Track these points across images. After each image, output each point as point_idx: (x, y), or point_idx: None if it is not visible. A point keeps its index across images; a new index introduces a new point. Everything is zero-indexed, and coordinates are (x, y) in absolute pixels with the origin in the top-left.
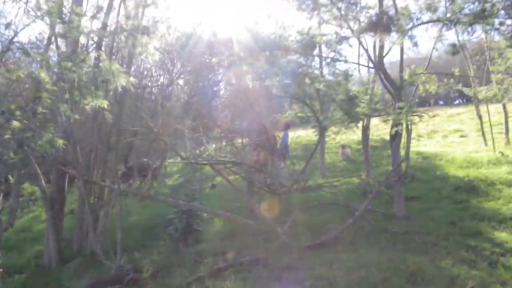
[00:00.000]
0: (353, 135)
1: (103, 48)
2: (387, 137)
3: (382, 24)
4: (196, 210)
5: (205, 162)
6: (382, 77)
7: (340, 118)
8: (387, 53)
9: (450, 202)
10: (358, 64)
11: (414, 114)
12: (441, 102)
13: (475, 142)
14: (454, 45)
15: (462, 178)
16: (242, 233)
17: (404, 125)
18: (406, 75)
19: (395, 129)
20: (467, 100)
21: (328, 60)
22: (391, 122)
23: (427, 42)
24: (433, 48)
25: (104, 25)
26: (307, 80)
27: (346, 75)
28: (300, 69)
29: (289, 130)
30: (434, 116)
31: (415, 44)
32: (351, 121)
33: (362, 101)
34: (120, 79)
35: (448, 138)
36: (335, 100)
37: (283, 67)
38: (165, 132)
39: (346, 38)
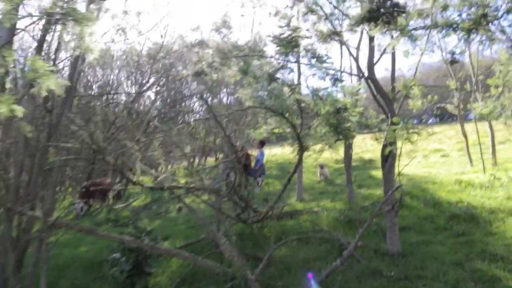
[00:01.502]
0: (333, 153)
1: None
2: (366, 157)
3: (385, 11)
4: (146, 249)
5: (160, 186)
6: (372, 87)
7: (325, 135)
8: (378, 59)
9: (449, 235)
10: (341, 71)
11: (412, 131)
12: (415, 121)
13: (458, 162)
14: (453, 53)
15: (456, 204)
16: (204, 277)
17: (400, 144)
18: (400, 86)
19: (389, 148)
20: (441, 119)
21: (309, 66)
22: (381, 140)
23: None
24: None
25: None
26: (286, 90)
27: (335, 81)
28: (276, 75)
29: (264, 148)
30: (432, 133)
31: (415, 47)
32: (338, 139)
33: (353, 114)
34: (46, 81)
35: (430, 158)
36: (319, 113)
37: (258, 75)
38: (111, 151)
39: (335, 34)
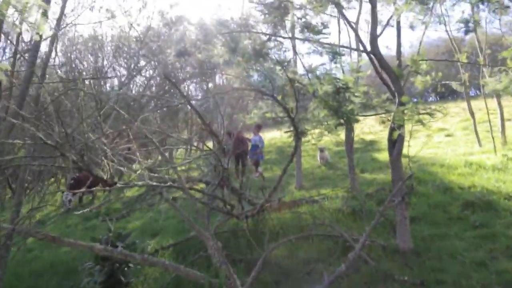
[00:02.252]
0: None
1: None
2: (368, 138)
3: None
4: (121, 257)
5: (137, 184)
6: (376, 63)
7: (323, 119)
8: (382, 31)
9: (466, 227)
10: (339, 46)
11: (425, 112)
12: (415, 100)
13: (464, 142)
14: (467, 22)
15: (469, 189)
16: (190, 285)
17: (410, 127)
18: (408, 61)
19: (397, 132)
20: (441, 96)
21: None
22: (388, 123)
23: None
24: (424, 33)
25: None
26: (278, 69)
27: (334, 55)
28: (264, 51)
29: (260, 131)
30: (447, 113)
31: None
32: (339, 123)
33: (356, 94)
34: None
35: (433, 138)
36: (316, 94)
37: (246, 52)
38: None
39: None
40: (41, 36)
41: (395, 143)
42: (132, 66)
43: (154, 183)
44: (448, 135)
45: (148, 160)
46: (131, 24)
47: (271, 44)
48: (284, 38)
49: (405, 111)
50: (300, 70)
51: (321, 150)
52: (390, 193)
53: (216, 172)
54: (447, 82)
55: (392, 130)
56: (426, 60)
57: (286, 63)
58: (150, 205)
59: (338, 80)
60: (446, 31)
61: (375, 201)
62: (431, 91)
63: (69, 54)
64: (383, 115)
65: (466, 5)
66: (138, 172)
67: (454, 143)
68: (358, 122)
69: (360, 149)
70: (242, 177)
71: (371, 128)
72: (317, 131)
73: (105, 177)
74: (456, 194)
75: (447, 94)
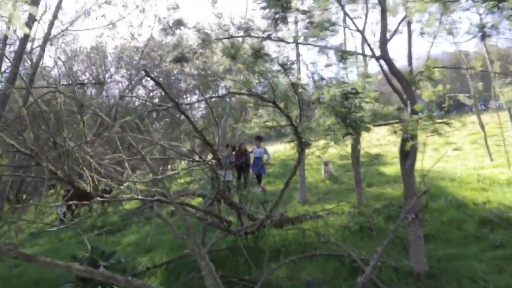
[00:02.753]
0: (339, 149)
1: None
2: (374, 152)
3: None
4: (102, 279)
5: (122, 198)
6: (386, 69)
7: (329, 128)
8: (392, 36)
9: (484, 246)
10: (345, 47)
11: (441, 121)
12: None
13: (473, 156)
14: (482, 27)
15: (484, 206)
16: None
17: (424, 138)
18: (422, 67)
19: (410, 143)
20: (446, 111)
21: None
22: (400, 133)
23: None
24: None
25: None
26: (278, 72)
27: (342, 55)
28: (263, 52)
29: (262, 143)
30: (463, 124)
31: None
32: (347, 133)
33: (367, 100)
34: None
35: (441, 152)
36: (321, 100)
37: (246, 57)
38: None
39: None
40: (26, 37)
41: (407, 155)
42: (133, 76)
43: (140, 197)
44: (456, 149)
45: (139, 171)
46: (132, 34)
47: (273, 47)
48: (286, 42)
49: (419, 120)
50: (304, 76)
51: (326, 164)
52: (399, 208)
53: (213, 185)
54: (455, 95)
55: (404, 141)
56: (439, 67)
57: (288, 65)
58: (148, 219)
59: (346, 84)
60: (454, 42)
61: (383, 217)
62: (435, 106)
63: (69, 62)
64: (395, 125)
65: (474, 15)
66: (125, 184)
67: (462, 157)
68: (369, 131)
69: (365, 163)
70: (243, 191)
71: (377, 141)
72: (322, 142)
73: (88, 189)
74: (470, 211)
75: (452, 108)
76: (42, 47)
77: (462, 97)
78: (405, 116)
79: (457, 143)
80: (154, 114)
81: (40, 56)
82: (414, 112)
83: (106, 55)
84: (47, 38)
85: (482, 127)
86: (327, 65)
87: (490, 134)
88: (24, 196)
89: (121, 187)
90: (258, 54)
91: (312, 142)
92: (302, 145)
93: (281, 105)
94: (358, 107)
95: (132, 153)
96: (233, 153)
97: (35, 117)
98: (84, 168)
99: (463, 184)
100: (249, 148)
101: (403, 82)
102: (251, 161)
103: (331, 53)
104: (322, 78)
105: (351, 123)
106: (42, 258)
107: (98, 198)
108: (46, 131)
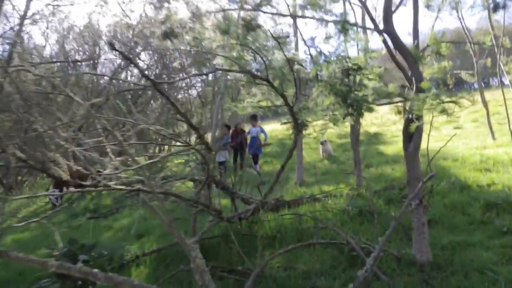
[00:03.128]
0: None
1: None
2: (372, 130)
3: None
4: (80, 276)
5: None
6: (389, 44)
7: (328, 108)
8: (397, 7)
9: (491, 233)
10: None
11: (449, 100)
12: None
13: (475, 135)
14: None
15: (488, 188)
16: None
17: (431, 118)
18: (429, 41)
19: (415, 124)
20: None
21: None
22: (402, 113)
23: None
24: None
25: None
26: (274, 48)
27: (343, 26)
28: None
29: (258, 122)
30: (474, 101)
31: None
32: (348, 113)
33: (370, 76)
34: None
35: (441, 130)
36: (320, 77)
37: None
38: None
39: None
40: None
41: (411, 137)
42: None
43: (118, 187)
44: (457, 128)
45: (124, 157)
46: (124, 11)
47: (270, 23)
48: (281, 15)
49: (426, 99)
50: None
51: (323, 143)
52: (400, 191)
53: (203, 169)
54: (458, 72)
55: (409, 121)
56: (446, 42)
57: (283, 39)
58: (144, 202)
59: (347, 59)
60: (459, 17)
61: (383, 200)
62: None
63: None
64: (399, 104)
65: None
66: (106, 171)
67: (465, 136)
68: (372, 111)
69: (364, 142)
70: (239, 172)
71: (376, 119)
72: (320, 122)
73: (64, 177)
74: (474, 193)
75: (451, 86)
76: (20, 23)
77: (464, 75)
78: (410, 94)
79: (457, 121)
80: (150, 93)
81: (18, 33)
82: (419, 90)
83: (99, 33)
84: (25, 14)
85: (485, 105)
86: (327, 38)
87: (492, 112)
88: (20, 178)
89: (101, 174)
90: (250, 26)
91: (309, 123)
92: (299, 127)
93: (276, 83)
94: (360, 85)
95: (115, 137)
96: (229, 133)
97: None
98: (58, 154)
99: (465, 164)
100: (246, 128)
101: (408, 58)
102: (248, 141)
103: (331, 26)
104: (320, 53)
105: (352, 103)
106: (14, 254)
107: (73, 189)
108: (17, 113)
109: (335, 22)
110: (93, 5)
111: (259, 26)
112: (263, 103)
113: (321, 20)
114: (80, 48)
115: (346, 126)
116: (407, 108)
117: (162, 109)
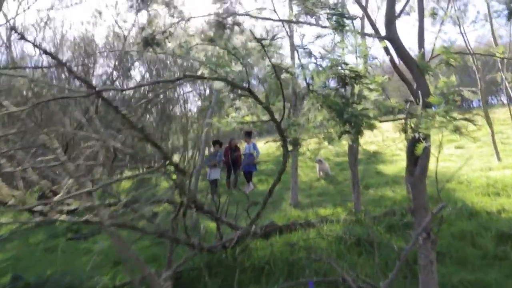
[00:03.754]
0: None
1: None
2: (371, 149)
3: None
4: None
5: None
6: (393, 51)
7: (322, 125)
8: (400, 13)
9: (507, 270)
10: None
11: (462, 118)
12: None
13: (478, 155)
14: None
15: (499, 215)
16: None
17: (440, 137)
18: (438, 50)
19: (422, 145)
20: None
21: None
22: (409, 131)
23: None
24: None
25: None
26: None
27: (338, 20)
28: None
29: (252, 139)
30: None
31: None
32: (345, 131)
33: (371, 86)
34: None
35: (443, 150)
36: (311, 87)
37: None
38: None
39: None
40: None
41: (417, 159)
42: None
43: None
44: (458, 147)
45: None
46: (116, 21)
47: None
48: (271, 20)
49: (437, 116)
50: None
51: (320, 162)
52: (402, 217)
53: (180, 192)
54: (460, 88)
55: (415, 141)
56: (456, 53)
57: (269, 41)
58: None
59: (344, 64)
60: (461, 32)
61: (384, 227)
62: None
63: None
64: (404, 121)
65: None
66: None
67: (466, 156)
68: (373, 129)
69: (363, 161)
70: (233, 190)
71: (375, 137)
72: (314, 141)
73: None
74: (484, 222)
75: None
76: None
77: (466, 92)
78: (418, 110)
79: (458, 140)
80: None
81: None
82: (427, 105)
83: (94, 44)
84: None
85: (490, 123)
86: (318, 37)
87: (495, 131)
88: None
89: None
90: (220, 23)
91: (302, 141)
92: (288, 146)
93: (262, 95)
94: (359, 97)
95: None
96: (222, 149)
97: None
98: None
99: (471, 188)
100: (243, 145)
101: (413, 68)
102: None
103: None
104: (310, 54)
105: (349, 118)
106: None
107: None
108: None
109: (329, 15)
110: (87, 16)
111: (237, 24)
112: (248, 118)
113: (315, 23)
114: (76, 59)
115: (343, 145)
116: (412, 125)
117: (157, 123)
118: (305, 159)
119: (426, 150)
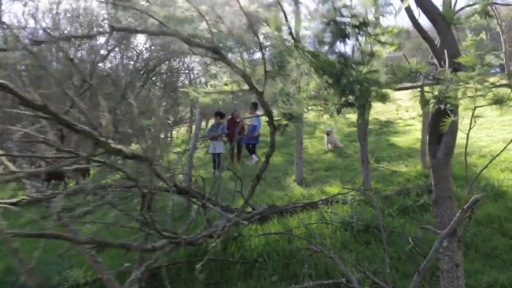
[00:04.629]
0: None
1: None
2: (383, 118)
3: None
4: None
5: None
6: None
7: (316, 96)
8: None
9: None
10: None
11: (504, 84)
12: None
13: (499, 125)
14: None
15: None
16: None
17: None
18: None
19: (450, 119)
20: None
21: None
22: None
23: None
24: None
25: None
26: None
27: None
28: None
29: (257, 110)
30: None
31: None
32: (345, 102)
33: (383, 39)
34: None
35: (462, 119)
36: (298, 43)
37: None
38: None
39: None
40: None
41: (440, 136)
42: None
43: None
44: (477, 115)
45: None
46: None
47: None
48: None
49: (471, 82)
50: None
51: (328, 133)
52: (417, 197)
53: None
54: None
55: (439, 114)
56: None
57: None
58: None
59: (344, 8)
60: None
61: (396, 209)
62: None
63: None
64: (421, 90)
65: None
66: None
67: (488, 127)
68: (386, 101)
69: (374, 132)
70: (235, 163)
71: (386, 105)
72: (311, 114)
73: None
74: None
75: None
76: None
77: (489, 56)
78: (447, 73)
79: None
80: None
81: None
82: (455, 68)
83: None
84: None
85: None
86: None
87: None
88: None
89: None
90: None
91: (297, 115)
92: (273, 121)
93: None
94: (365, 55)
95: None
96: (224, 122)
97: None
98: None
99: (494, 161)
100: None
101: (438, 20)
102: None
103: None
104: None
105: (350, 86)
106: None
107: None
108: None
109: None
110: None
111: None
112: (227, 87)
113: None
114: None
115: (349, 118)
116: (437, 94)
117: (163, 94)
118: (311, 130)
119: (453, 126)
